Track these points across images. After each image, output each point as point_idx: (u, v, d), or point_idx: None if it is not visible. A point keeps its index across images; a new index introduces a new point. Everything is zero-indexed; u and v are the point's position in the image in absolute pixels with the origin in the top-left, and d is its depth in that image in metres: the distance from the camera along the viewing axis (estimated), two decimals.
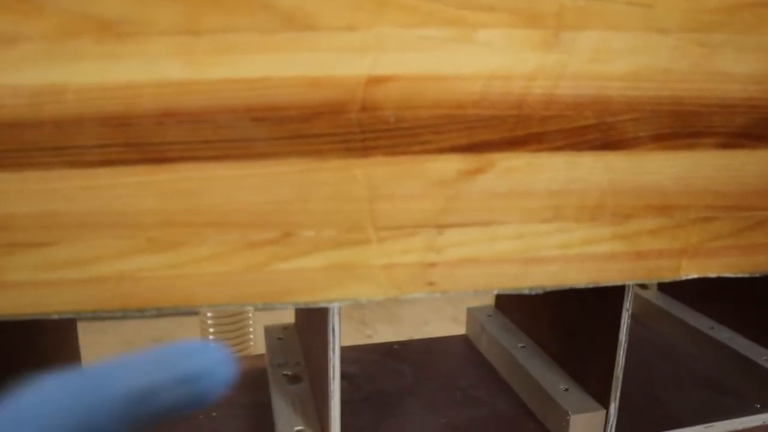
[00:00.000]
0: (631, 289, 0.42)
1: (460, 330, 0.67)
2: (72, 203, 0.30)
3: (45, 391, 0.20)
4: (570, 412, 0.46)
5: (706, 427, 0.49)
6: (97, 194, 0.30)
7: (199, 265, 0.32)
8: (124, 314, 0.32)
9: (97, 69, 0.28)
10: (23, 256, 0.31)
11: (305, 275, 0.33)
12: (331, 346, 0.39)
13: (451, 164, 0.33)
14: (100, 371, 0.20)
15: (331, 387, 0.40)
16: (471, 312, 0.65)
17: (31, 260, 0.31)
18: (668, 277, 0.38)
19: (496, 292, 0.35)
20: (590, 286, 0.37)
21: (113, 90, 0.28)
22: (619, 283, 0.38)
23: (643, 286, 0.71)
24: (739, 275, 0.40)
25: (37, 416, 0.20)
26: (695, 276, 0.39)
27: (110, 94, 0.28)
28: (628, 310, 0.43)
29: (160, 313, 0.33)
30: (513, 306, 0.61)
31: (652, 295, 0.69)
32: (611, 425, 0.46)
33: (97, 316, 0.32)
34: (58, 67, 0.28)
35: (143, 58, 0.28)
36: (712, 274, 0.39)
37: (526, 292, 0.36)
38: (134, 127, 0.29)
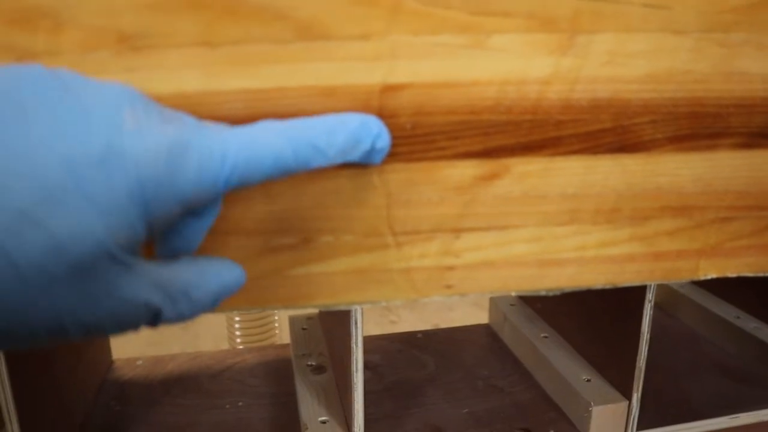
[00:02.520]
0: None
1: (482, 315, 0.68)
2: None
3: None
4: (592, 403, 0.46)
5: (731, 418, 0.49)
6: None
7: None
8: None
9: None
10: None
11: (325, 279, 0.33)
12: (354, 339, 0.40)
13: (467, 170, 0.33)
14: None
15: (355, 378, 0.40)
16: (494, 302, 0.65)
17: None
18: (687, 278, 0.38)
19: (513, 293, 0.36)
20: (608, 287, 0.37)
21: None
22: (637, 283, 0.38)
23: None
24: (759, 275, 0.39)
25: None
26: (714, 276, 0.38)
27: None
28: (650, 302, 0.43)
29: None
30: (536, 296, 0.61)
31: (677, 283, 0.68)
32: (633, 416, 0.46)
33: None
34: None
35: (161, 70, 0.29)
36: (731, 274, 0.39)
37: (543, 293, 0.36)
38: None
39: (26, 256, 0.20)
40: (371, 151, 0.30)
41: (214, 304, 0.26)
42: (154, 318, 0.24)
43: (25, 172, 0.20)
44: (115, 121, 0.22)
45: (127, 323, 0.23)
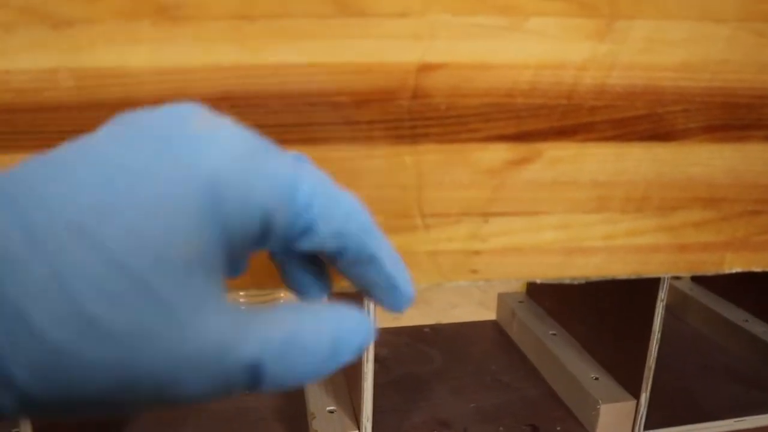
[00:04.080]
0: (666, 280, 0.42)
1: (487, 314, 0.67)
2: None
3: None
4: (600, 401, 0.46)
5: (737, 421, 0.49)
6: None
7: None
8: None
9: (153, 52, 0.28)
10: None
11: None
12: None
13: (499, 153, 0.33)
14: None
15: (365, 369, 0.40)
16: (502, 297, 0.65)
17: None
18: (711, 271, 0.38)
19: (538, 281, 0.36)
20: (632, 277, 0.37)
21: (168, 74, 0.29)
22: (660, 275, 0.38)
23: (676, 277, 0.70)
24: None
25: None
26: (739, 270, 0.38)
27: (165, 78, 0.29)
28: (662, 301, 0.43)
29: None
30: (544, 293, 0.61)
31: (685, 286, 0.68)
32: (641, 415, 0.46)
33: None
34: (114, 51, 0.28)
35: (198, 41, 0.29)
36: (757, 269, 0.39)
37: (567, 281, 0.36)
38: None
39: (77, 278, 0.16)
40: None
41: (334, 360, 0.20)
42: (253, 375, 0.18)
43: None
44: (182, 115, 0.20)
45: (216, 379, 0.17)
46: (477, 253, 0.34)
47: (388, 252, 0.25)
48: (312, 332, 0.19)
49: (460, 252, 0.34)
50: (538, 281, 0.35)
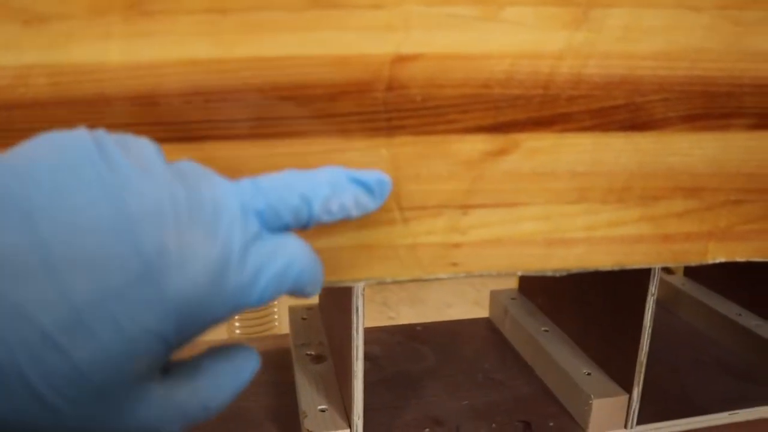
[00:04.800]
0: (656, 273, 0.42)
1: (482, 314, 0.67)
2: None
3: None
4: (592, 396, 0.46)
5: (730, 414, 0.49)
6: None
7: None
8: None
9: (126, 48, 0.28)
10: None
11: (330, 255, 0.33)
12: (354, 326, 0.39)
13: (477, 144, 0.33)
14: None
15: (355, 367, 0.40)
16: (494, 295, 0.65)
17: None
18: (695, 261, 0.38)
19: (519, 273, 0.35)
20: (615, 268, 0.37)
21: (141, 69, 0.29)
22: (644, 266, 0.37)
23: (668, 271, 0.70)
24: None
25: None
26: (723, 260, 0.38)
27: (138, 73, 0.29)
28: (653, 294, 0.42)
29: None
30: (536, 289, 0.61)
31: (678, 281, 0.68)
32: (634, 410, 0.46)
33: None
34: (87, 47, 0.28)
35: (170, 36, 0.28)
36: (741, 259, 0.38)
37: (549, 273, 0.36)
38: (162, 106, 0.29)
39: (47, 382, 0.19)
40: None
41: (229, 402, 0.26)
42: None
43: (54, 294, 0.19)
44: (159, 238, 0.21)
45: None
46: (457, 245, 0.34)
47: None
48: (217, 397, 0.26)
49: (440, 245, 0.34)
50: (520, 273, 0.35)
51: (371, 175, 0.29)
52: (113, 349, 0.20)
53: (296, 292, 0.27)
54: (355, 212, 0.29)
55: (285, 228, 0.26)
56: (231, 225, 0.23)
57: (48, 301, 0.19)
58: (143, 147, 0.24)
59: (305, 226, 0.27)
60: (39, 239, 0.19)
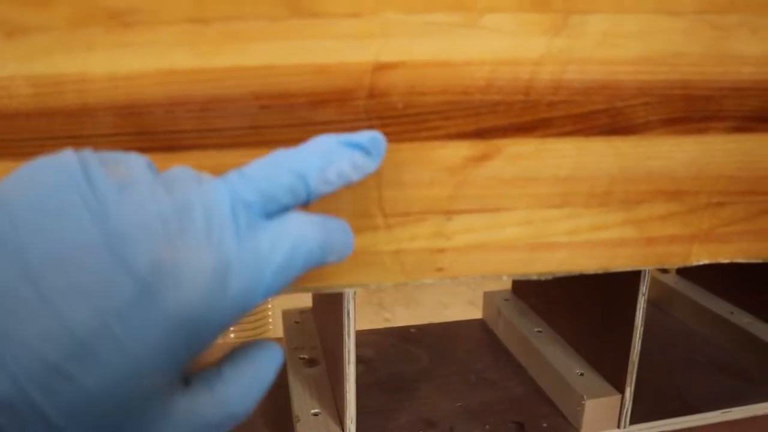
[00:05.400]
0: (648, 274, 0.42)
1: (478, 314, 0.67)
2: None
3: None
4: (585, 397, 0.46)
5: (723, 412, 0.49)
6: None
7: None
8: None
9: (107, 59, 0.28)
10: None
11: None
12: (346, 330, 0.39)
13: (458, 150, 0.33)
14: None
15: (347, 370, 0.40)
16: (488, 296, 0.65)
17: None
18: (679, 263, 0.38)
19: (504, 278, 0.35)
20: (600, 272, 0.37)
21: (123, 79, 0.29)
22: (629, 269, 0.38)
23: (663, 270, 0.70)
24: (752, 261, 0.39)
25: None
26: (706, 262, 0.38)
27: (120, 84, 0.29)
28: (644, 295, 0.42)
29: None
30: (530, 290, 0.61)
31: (671, 280, 0.68)
32: (626, 410, 0.46)
33: None
34: (69, 58, 0.28)
35: (151, 47, 0.29)
36: (724, 260, 0.38)
37: (534, 278, 0.36)
38: (144, 116, 0.29)
39: (58, 410, 0.20)
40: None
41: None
42: None
43: (54, 326, 0.19)
44: (150, 255, 0.21)
45: None
46: (441, 251, 0.34)
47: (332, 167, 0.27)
48: (241, 402, 0.25)
49: (425, 250, 0.34)
50: (504, 278, 0.35)
51: (364, 135, 0.28)
52: (120, 370, 0.20)
53: (320, 265, 0.26)
54: (355, 176, 0.28)
55: (285, 209, 0.26)
56: (223, 228, 0.23)
57: (49, 333, 0.19)
58: (131, 162, 0.24)
59: (307, 202, 0.27)
60: (30, 274, 0.20)
